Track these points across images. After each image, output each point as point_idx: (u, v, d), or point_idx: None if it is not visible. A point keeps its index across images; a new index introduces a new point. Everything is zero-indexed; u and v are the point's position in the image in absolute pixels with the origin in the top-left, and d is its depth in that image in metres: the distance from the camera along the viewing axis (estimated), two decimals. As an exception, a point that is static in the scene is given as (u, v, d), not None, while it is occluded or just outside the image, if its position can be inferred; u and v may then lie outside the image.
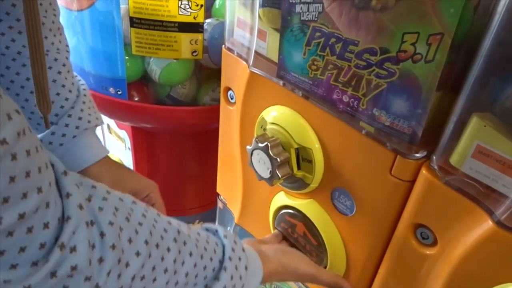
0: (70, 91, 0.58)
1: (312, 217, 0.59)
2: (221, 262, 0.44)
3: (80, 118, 0.58)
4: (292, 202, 0.62)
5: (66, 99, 0.58)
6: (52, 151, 0.55)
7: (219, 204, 0.86)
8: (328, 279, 0.56)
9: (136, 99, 0.85)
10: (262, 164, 0.57)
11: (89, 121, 0.60)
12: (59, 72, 0.57)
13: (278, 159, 0.54)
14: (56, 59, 0.57)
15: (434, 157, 0.43)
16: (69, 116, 0.58)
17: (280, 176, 0.55)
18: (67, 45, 0.59)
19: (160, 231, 0.38)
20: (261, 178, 0.58)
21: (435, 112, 0.42)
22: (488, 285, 0.41)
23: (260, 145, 0.55)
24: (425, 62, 0.39)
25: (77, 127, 0.58)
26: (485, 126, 0.37)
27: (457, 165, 0.40)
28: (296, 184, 0.59)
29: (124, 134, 1.04)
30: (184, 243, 0.40)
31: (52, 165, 0.32)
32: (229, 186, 0.78)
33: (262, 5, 0.55)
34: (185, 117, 0.88)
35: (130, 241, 0.35)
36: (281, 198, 0.64)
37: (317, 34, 0.48)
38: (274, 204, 0.66)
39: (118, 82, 0.81)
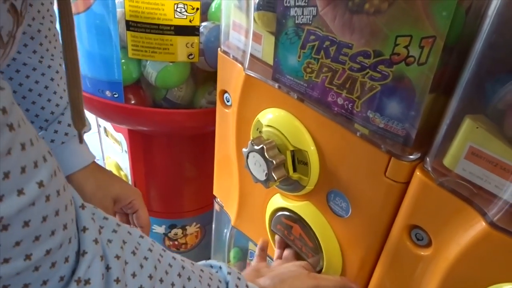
0: (61, 97, 0.59)
1: (308, 219, 0.59)
2: None
3: (69, 125, 0.59)
4: (288, 204, 0.62)
5: (57, 105, 0.58)
6: None
7: (216, 207, 0.86)
8: (331, 285, 0.56)
9: (133, 102, 0.86)
10: (258, 167, 0.57)
11: None
12: (52, 79, 0.57)
13: (274, 162, 0.54)
14: (49, 66, 0.57)
15: (427, 159, 0.43)
16: (59, 122, 0.58)
17: (276, 178, 0.55)
18: (61, 52, 0.60)
19: (165, 266, 0.39)
20: (257, 180, 0.58)
21: (428, 114, 0.43)
22: (482, 286, 0.41)
23: (256, 147, 0.55)
24: (418, 64, 0.40)
25: (66, 134, 0.59)
26: (477, 127, 0.38)
27: (451, 166, 0.41)
28: (292, 186, 0.59)
29: (120, 137, 1.04)
30: (188, 279, 0.41)
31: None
32: (225, 189, 0.79)
33: (257, 9, 0.55)
34: (181, 120, 0.88)
35: (134, 275, 0.35)
36: (277, 200, 0.64)
37: (312, 37, 0.48)
38: (270, 207, 0.67)
39: (114, 85, 0.81)
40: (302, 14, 0.48)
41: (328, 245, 0.58)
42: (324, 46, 0.47)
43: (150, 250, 0.38)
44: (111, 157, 1.16)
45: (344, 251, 0.57)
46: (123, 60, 0.79)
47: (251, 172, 0.59)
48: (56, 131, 0.58)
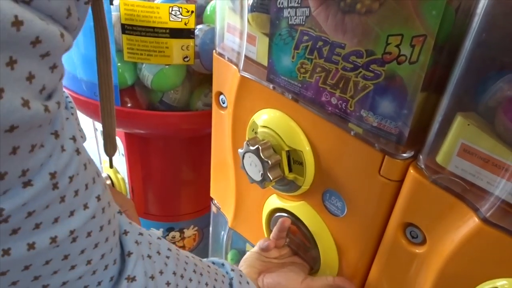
0: None
1: (304, 219, 0.60)
2: None
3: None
4: (284, 205, 0.62)
5: None
6: None
7: (213, 209, 0.86)
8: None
9: (129, 105, 0.86)
10: (253, 167, 0.57)
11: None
12: None
13: (269, 162, 0.55)
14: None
15: (421, 157, 0.43)
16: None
17: (271, 178, 0.55)
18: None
19: (183, 263, 0.42)
20: (253, 181, 0.58)
21: (420, 113, 0.43)
22: (477, 281, 0.41)
23: (251, 148, 0.56)
24: (409, 63, 0.40)
25: None
26: (469, 125, 0.38)
27: (444, 163, 0.41)
28: (287, 186, 0.59)
29: (117, 140, 1.04)
30: (201, 274, 0.43)
31: None
32: (222, 191, 0.79)
33: (251, 10, 0.56)
34: (178, 123, 0.88)
35: (161, 272, 0.38)
36: (274, 201, 0.65)
37: (305, 37, 0.49)
38: (266, 207, 0.67)
39: (110, 88, 0.81)
40: (295, 15, 0.49)
41: (324, 244, 0.58)
42: (317, 46, 0.48)
43: (169, 249, 0.41)
44: (107, 160, 1.16)
45: (340, 250, 0.57)
46: (118, 64, 0.79)
47: (247, 172, 0.59)
48: None
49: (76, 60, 0.81)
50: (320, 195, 0.56)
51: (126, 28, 0.74)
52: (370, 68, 0.43)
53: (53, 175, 0.26)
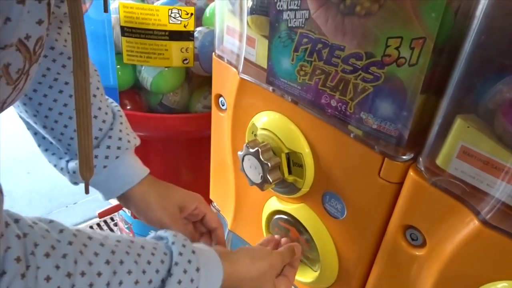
0: (106, 113, 0.58)
1: (304, 221, 0.60)
2: (169, 270, 0.43)
3: (120, 139, 0.58)
4: (284, 207, 0.62)
5: (104, 121, 0.57)
6: (96, 174, 0.54)
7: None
8: (280, 257, 0.54)
9: (128, 107, 0.86)
10: (253, 169, 0.57)
11: (128, 141, 0.59)
12: (94, 95, 0.56)
13: (269, 164, 0.54)
14: (90, 83, 0.56)
15: (420, 159, 0.43)
16: (110, 137, 0.57)
17: (271, 180, 0.55)
18: (95, 69, 0.59)
19: (89, 257, 0.37)
20: (252, 183, 0.58)
21: (420, 115, 0.43)
22: (477, 284, 0.41)
23: (251, 150, 0.56)
24: (409, 65, 0.40)
25: (118, 148, 0.57)
26: (468, 127, 0.38)
27: (443, 166, 0.41)
28: (287, 188, 0.59)
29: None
30: (121, 262, 0.39)
31: None
32: (222, 193, 0.79)
33: (251, 13, 0.56)
34: (177, 125, 0.88)
35: (48, 279, 0.34)
36: (273, 203, 0.65)
37: (305, 40, 0.49)
38: (266, 210, 0.67)
39: (110, 91, 0.81)
40: (295, 17, 0.49)
41: (324, 246, 0.58)
42: (317, 48, 0.48)
43: (70, 243, 0.37)
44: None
45: (340, 252, 0.57)
46: (118, 66, 0.80)
47: (246, 175, 0.59)
48: (108, 147, 0.56)
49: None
50: (320, 197, 0.56)
51: (126, 31, 0.74)
52: (369, 71, 0.43)
53: None
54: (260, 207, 0.68)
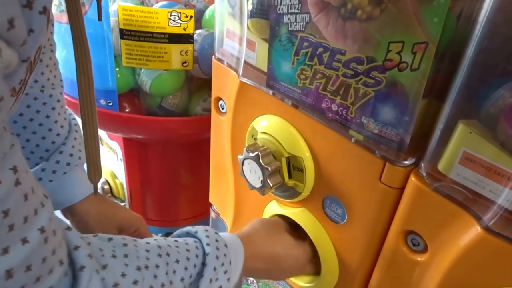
0: (62, 126, 0.59)
1: (304, 226, 0.59)
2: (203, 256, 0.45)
3: (71, 155, 0.59)
4: (284, 211, 0.62)
5: (58, 134, 0.58)
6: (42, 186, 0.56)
7: (212, 214, 0.86)
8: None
9: (127, 110, 0.85)
10: (253, 174, 0.57)
11: (79, 158, 0.60)
12: (53, 108, 0.57)
13: (269, 168, 0.54)
14: (51, 95, 0.57)
15: (422, 164, 0.43)
16: (61, 152, 0.58)
17: (271, 185, 0.55)
18: (61, 80, 0.60)
19: (144, 253, 0.39)
20: (252, 187, 0.58)
21: (422, 120, 0.43)
22: (479, 291, 0.41)
23: (251, 154, 0.55)
24: (410, 70, 0.40)
25: (68, 164, 0.58)
26: (470, 133, 0.38)
27: (445, 171, 0.41)
28: (287, 193, 0.59)
29: (115, 145, 1.04)
30: (168, 254, 0.41)
31: None
32: (221, 196, 0.78)
33: (251, 16, 0.56)
34: (176, 128, 0.88)
35: (124, 275, 0.36)
36: (273, 207, 0.64)
37: (305, 43, 0.48)
38: (266, 213, 0.66)
39: (109, 93, 0.81)
40: (295, 21, 0.48)
41: (324, 251, 0.58)
42: (318, 52, 0.47)
43: (125, 245, 0.39)
44: (106, 165, 1.16)
45: (341, 257, 0.57)
46: (117, 69, 0.79)
47: (246, 179, 0.58)
48: (57, 162, 0.57)
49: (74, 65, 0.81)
50: (320, 201, 0.56)
51: (125, 33, 0.74)
52: (371, 75, 0.43)
53: None
54: (260, 210, 0.68)
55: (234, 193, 0.72)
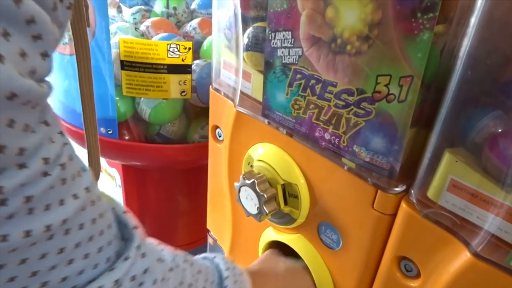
0: None
1: (300, 252, 0.60)
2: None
3: None
4: (280, 237, 0.63)
5: None
6: None
7: (210, 240, 0.86)
8: None
9: (127, 138, 0.87)
10: (249, 201, 0.58)
11: None
12: None
13: (265, 195, 0.55)
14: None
15: (412, 191, 0.44)
16: None
17: (267, 212, 0.56)
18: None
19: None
20: (249, 214, 0.59)
21: (411, 148, 0.44)
22: (471, 316, 0.41)
23: (247, 181, 0.57)
24: (398, 102, 0.42)
25: None
26: (456, 161, 0.39)
27: (434, 198, 0.42)
28: (283, 219, 0.60)
29: (114, 172, 1.05)
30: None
31: None
32: (219, 222, 0.79)
33: (246, 49, 0.58)
34: (175, 155, 0.89)
35: (160, 260, 0.39)
36: (270, 234, 0.65)
37: (298, 76, 0.51)
38: (263, 240, 0.67)
39: (109, 122, 0.83)
40: (289, 54, 0.51)
41: (320, 277, 0.59)
42: (310, 84, 0.49)
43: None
44: (104, 192, 1.16)
45: (336, 283, 0.58)
46: (117, 98, 0.81)
47: (243, 206, 0.59)
48: None
49: (75, 95, 0.83)
50: (316, 228, 0.57)
51: (125, 65, 0.76)
52: (361, 106, 0.45)
53: (46, 161, 0.26)
54: (257, 237, 0.69)
55: (232, 219, 0.73)
